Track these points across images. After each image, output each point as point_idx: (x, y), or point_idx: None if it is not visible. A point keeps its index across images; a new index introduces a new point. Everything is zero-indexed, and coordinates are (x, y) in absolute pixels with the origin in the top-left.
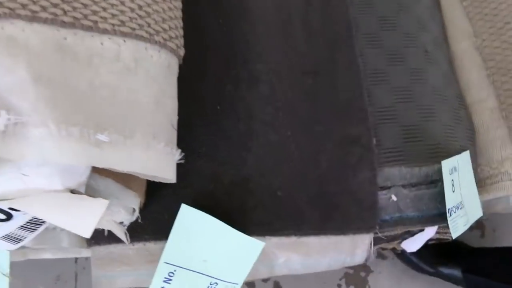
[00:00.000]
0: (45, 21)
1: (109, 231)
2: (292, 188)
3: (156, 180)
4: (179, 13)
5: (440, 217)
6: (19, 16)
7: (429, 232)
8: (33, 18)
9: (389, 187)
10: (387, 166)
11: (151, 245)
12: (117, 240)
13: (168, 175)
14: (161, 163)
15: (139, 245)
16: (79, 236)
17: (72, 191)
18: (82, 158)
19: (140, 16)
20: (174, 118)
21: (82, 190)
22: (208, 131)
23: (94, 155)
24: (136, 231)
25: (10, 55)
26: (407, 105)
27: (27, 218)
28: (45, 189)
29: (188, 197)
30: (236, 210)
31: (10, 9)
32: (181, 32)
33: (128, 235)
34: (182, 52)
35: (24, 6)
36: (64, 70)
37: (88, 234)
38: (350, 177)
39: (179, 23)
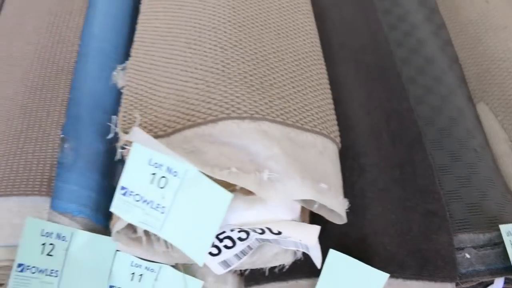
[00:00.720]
0: (278, 122)
1: (269, 272)
2: (396, 245)
3: (333, 220)
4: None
5: (505, 269)
6: (267, 119)
7: (498, 284)
8: (273, 121)
9: (462, 248)
10: (459, 233)
11: (302, 282)
12: (274, 279)
13: (344, 216)
14: (342, 208)
15: (292, 282)
16: (239, 279)
17: None
18: (314, 197)
19: (323, 122)
20: (342, 183)
21: (298, 221)
22: None
23: (318, 196)
24: (291, 270)
25: (267, 140)
26: (468, 189)
27: (242, 247)
28: (279, 219)
29: (329, 246)
30: (361, 258)
31: (262, 115)
32: (339, 132)
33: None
34: (340, 145)
35: (268, 113)
36: (294, 150)
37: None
38: (434, 239)
39: (338, 127)
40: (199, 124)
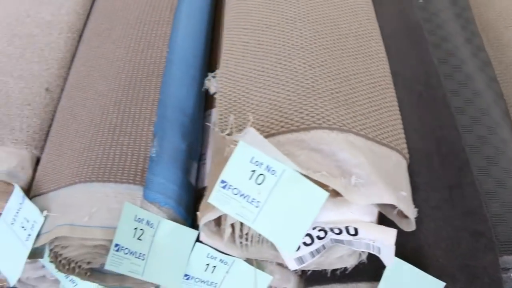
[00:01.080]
0: (362, 136)
1: (331, 273)
2: (447, 258)
3: (402, 226)
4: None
5: None
6: (352, 132)
7: None
8: (357, 134)
9: (508, 269)
10: (505, 254)
11: (362, 285)
12: (335, 280)
13: (414, 223)
14: (413, 215)
15: (352, 285)
16: (299, 279)
17: None
18: (395, 202)
19: (396, 140)
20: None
21: (374, 222)
22: None
23: (398, 202)
24: (352, 273)
25: (354, 149)
26: None
27: (318, 246)
28: (359, 220)
29: None
30: (416, 267)
31: (348, 128)
32: (407, 150)
33: None
34: (408, 161)
35: (353, 127)
36: (376, 160)
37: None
38: (481, 258)
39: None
40: (292, 131)
